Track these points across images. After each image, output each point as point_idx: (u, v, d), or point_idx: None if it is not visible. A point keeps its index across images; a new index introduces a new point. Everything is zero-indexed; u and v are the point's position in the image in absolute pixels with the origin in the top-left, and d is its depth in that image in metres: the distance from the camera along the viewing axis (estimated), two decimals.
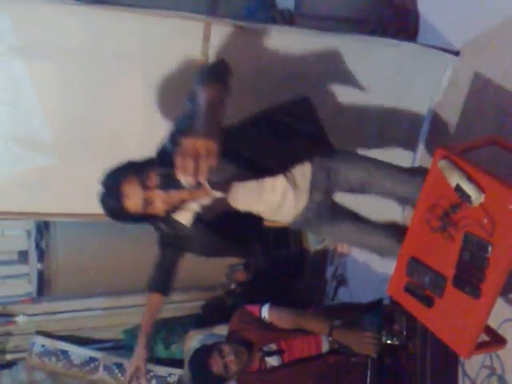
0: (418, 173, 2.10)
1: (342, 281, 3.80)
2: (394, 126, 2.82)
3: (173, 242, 2.12)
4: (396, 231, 2.21)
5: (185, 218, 1.98)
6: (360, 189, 2.15)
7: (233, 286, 3.96)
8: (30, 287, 3.79)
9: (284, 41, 2.42)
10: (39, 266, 3.57)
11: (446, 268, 1.85)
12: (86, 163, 2.48)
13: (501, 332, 2.07)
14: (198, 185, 1.53)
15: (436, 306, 1.90)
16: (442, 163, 1.79)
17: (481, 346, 1.91)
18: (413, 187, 2.05)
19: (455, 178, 1.75)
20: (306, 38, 2.45)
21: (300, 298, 3.93)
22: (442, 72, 2.71)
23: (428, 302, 1.91)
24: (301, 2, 3.03)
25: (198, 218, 1.98)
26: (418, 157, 2.89)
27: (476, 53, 2.60)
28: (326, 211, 2.17)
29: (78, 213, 2.66)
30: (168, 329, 3.99)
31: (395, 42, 2.59)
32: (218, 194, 1.95)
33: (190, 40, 2.31)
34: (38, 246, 3.60)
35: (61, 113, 2.38)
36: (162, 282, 2.26)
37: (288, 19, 3.01)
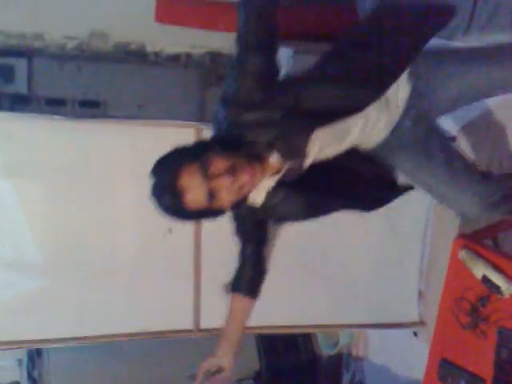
0: None
1: None
2: None
3: (253, 227, 1.72)
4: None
5: (257, 197, 1.63)
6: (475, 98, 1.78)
7: None
8: None
9: None
10: None
11: (482, 369, 1.69)
12: (77, 283, 2.38)
13: None
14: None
15: None
16: (463, 254, 1.68)
17: None
18: None
19: (480, 269, 1.64)
20: None
21: None
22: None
23: None
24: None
25: (276, 186, 1.60)
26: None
27: None
28: (411, 144, 1.76)
29: (71, 337, 2.52)
30: None
31: None
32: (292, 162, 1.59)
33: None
34: (30, 375, 3.43)
35: (50, 232, 2.32)
36: (248, 279, 1.78)
37: None
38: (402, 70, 1.62)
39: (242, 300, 1.78)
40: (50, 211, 2.28)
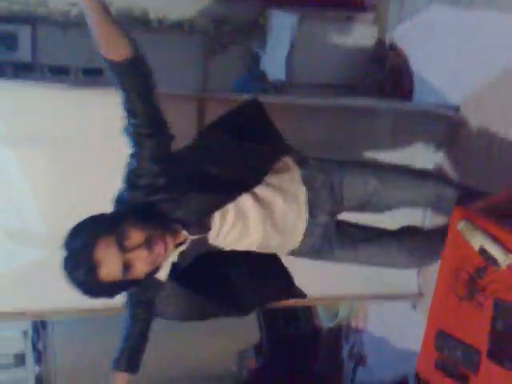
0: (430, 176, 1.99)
1: (360, 360, 3.59)
2: None
3: (144, 301, 1.75)
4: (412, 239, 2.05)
5: (162, 273, 1.67)
6: (367, 203, 1.94)
7: (244, 375, 3.74)
8: None
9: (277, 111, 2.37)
10: (37, 368, 3.43)
11: (478, 340, 1.69)
12: None
13: None
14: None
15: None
16: (462, 225, 1.68)
17: None
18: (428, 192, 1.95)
19: (478, 240, 1.63)
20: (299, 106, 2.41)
21: (317, 382, 3.72)
22: (441, 131, 2.65)
23: (463, 380, 1.73)
24: (292, 73, 3.02)
25: (173, 269, 1.66)
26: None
27: (476, 109, 2.55)
28: (335, 234, 1.91)
29: (76, 308, 2.50)
30: None
31: (391, 103, 2.56)
32: (197, 236, 1.67)
33: (184, 116, 2.26)
34: (35, 347, 3.49)
35: (53, 201, 2.31)
36: (130, 357, 1.82)
37: (280, 90, 2.99)
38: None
39: (126, 378, 1.84)
40: (53, 181, 2.27)
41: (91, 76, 3.27)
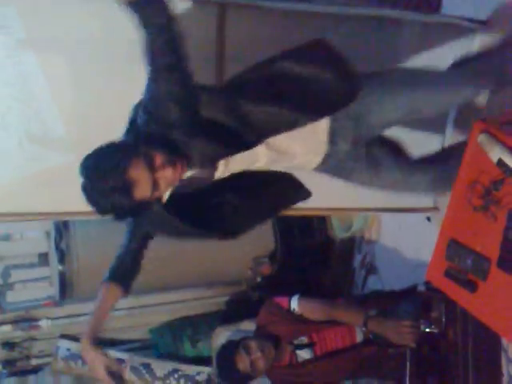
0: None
1: (371, 269, 3.70)
2: None
3: (144, 222, 1.79)
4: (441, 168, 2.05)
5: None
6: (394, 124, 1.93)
7: (258, 280, 3.88)
8: (52, 290, 3.75)
9: (299, 19, 2.31)
10: (60, 267, 3.52)
11: (489, 249, 1.74)
12: None
13: None
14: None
15: (480, 290, 1.79)
16: (482, 137, 1.68)
17: None
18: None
19: (497, 152, 1.64)
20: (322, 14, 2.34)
21: (328, 288, 3.85)
22: (469, 44, 2.59)
23: (471, 286, 1.80)
24: None
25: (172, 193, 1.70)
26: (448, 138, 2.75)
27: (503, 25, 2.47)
28: (358, 160, 1.92)
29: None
30: (193, 327, 3.93)
31: (418, 14, 2.48)
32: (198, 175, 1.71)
33: (205, 23, 2.21)
34: (57, 247, 3.55)
35: (74, 107, 2.31)
36: (125, 272, 1.87)
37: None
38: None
39: (115, 289, 1.86)
40: (73, 86, 2.25)
41: None
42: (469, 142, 1.77)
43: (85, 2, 2.10)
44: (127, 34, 2.18)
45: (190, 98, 1.61)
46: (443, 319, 2.31)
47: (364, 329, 2.41)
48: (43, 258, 3.75)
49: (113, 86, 2.28)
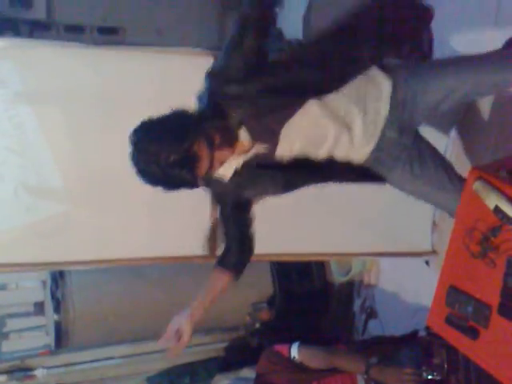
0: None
1: (371, 313, 3.65)
2: None
3: (232, 210, 1.81)
4: None
5: (225, 173, 1.72)
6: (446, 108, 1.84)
7: (257, 325, 3.83)
8: (48, 339, 3.70)
9: None
10: (56, 316, 3.50)
11: (489, 296, 1.73)
12: (98, 207, 2.43)
13: None
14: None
15: (481, 338, 1.77)
16: (477, 185, 1.69)
17: None
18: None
19: (493, 200, 1.64)
20: None
21: (328, 334, 3.80)
22: None
23: (473, 333, 1.77)
24: (309, 31, 2.98)
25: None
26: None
27: None
28: (400, 153, 1.85)
29: (92, 259, 2.58)
30: (192, 374, 3.85)
31: None
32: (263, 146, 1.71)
33: (201, 73, 2.24)
34: (53, 296, 3.54)
35: (70, 157, 2.35)
36: (233, 257, 1.86)
37: None
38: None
39: (224, 275, 1.88)
40: (69, 136, 2.29)
41: (106, 35, 3.25)
42: (464, 188, 1.77)
43: (80, 56, 2.14)
44: (122, 86, 2.24)
45: (263, 56, 1.66)
46: (445, 366, 2.27)
47: (366, 376, 2.37)
48: (39, 307, 3.72)
49: (108, 138, 2.31)
